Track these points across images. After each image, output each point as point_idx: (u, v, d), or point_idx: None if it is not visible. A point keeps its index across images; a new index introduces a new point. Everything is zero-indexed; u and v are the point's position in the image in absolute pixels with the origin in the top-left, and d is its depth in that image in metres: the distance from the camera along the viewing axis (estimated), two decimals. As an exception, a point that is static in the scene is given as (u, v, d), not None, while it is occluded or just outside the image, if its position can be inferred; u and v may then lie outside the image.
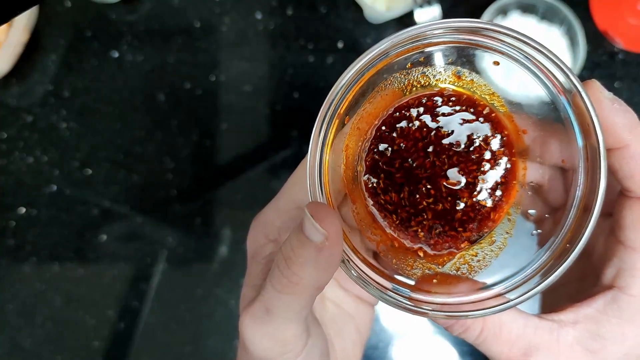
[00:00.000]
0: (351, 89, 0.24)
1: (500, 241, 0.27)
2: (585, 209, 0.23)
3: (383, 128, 0.27)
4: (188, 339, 0.64)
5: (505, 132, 0.27)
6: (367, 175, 0.27)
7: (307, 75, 0.66)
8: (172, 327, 0.64)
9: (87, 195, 0.65)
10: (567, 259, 0.22)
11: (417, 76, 0.27)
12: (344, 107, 0.24)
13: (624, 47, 0.64)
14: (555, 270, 0.23)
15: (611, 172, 0.24)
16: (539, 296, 0.28)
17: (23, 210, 0.66)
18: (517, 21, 0.62)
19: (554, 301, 0.27)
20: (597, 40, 0.64)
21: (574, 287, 0.29)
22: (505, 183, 0.27)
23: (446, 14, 0.65)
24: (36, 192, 0.66)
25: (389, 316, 0.63)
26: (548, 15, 0.62)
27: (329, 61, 0.66)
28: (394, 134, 0.27)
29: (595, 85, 0.23)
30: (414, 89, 0.27)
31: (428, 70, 0.26)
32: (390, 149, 0.27)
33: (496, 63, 0.25)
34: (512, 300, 0.23)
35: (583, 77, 0.64)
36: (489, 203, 0.26)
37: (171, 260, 0.64)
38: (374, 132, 0.27)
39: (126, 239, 0.65)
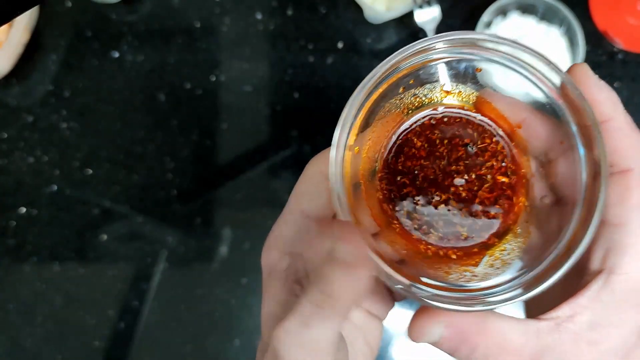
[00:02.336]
0: (361, 110, 0.25)
1: (523, 230, 0.27)
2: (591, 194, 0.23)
3: (391, 153, 0.28)
4: (188, 338, 0.64)
5: (501, 130, 0.28)
6: (388, 198, 0.28)
7: (307, 76, 0.66)
8: (172, 327, 0.64)
9: (88, 195, 0.65)
10: (577, 250, 0.23)
11: (410, 99, 0.28)
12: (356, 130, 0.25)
13: (623, 47, 0.64)
14: (567, 262, 0.23)
15: None
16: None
17: (23, 210, 0.66)
18: (517, 21, 0.62)
19: (542, 301, 0.26)
20: (596, 40, 0.65)
21: (563, 282, 0.29)
22: (514, 175, 0.28)
23: (446, 15, 0.65)
24: (36, 192, 0.66)
25: (389, 316, 0.63)
26: (547, 16, 0.62)
27: (329, 61, 0.66)
28: (402, 157, 0.28)
29: (584, 67, 0.24)
30: (410, 112, 0.29)
31: (419, 90, 0.28)
32: (402, 169, 0.28)
33: (478, 70, 0.26)
34: (526, 294, 0.23)
35: (582, 77, 0.64)
36: (505, 195, 0.27)
37: (171, 260, 0.65)
38: (384, 155, 0.28)
39: (126, 238, 0.65)
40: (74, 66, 0.67)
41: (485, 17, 0.61)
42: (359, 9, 0.64)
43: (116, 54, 0.67)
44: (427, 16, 0.63)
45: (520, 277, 0.24)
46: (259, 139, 0.66)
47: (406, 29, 0.66)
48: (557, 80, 0.24)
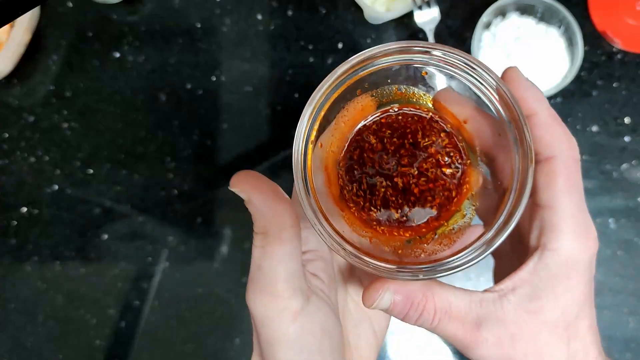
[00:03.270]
0: (321, 109, 0.29)
1: (470, 213, 0.31)
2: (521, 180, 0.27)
3: (350, 142, 0.33)
4: (189, 337, 0.64)
5: (449, 126, 0.32)
6: (347, 184, 0.32)
7: (308, 76, 0.66)
8: (173, 326, 0.64)
9: (89, 195, 0.66)
10: (504, 232, 0.26)
11: (368, 99, 0.32)
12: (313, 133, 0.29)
13: (622, 47, 0.65)
14: (496, 242, 0.26)
15: None
16: (492, 275, 0.34)
17: (25, 209, 0.66)
18: (516, 22, 0.63)
19: (502, 276, 0.29)
20: (595, 40, 0.65)
21: (513, 259, 0.31)
22: (459, 166, 0.32)
23: (445, 15, 0.65)
24: (38, 191, 0.66)
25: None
26: (546, 16, 0.62)
27: (329, 62, 0.66)
28: (360, 147, 0.32)
29: (514, 69, 0.28)
30: (370, 110, 0.33)
31: (375, 92, 0.31)
32: (360, 159, 0.32)
33: (424, 73, 0.30)
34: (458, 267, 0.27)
35: (581, 77, 0.64)
36: (451, 183, 0.32)
37: (172, 259, 0.65)
38: (346, 147, 0.32)
39: (127, 238, 0.65)
40: (75, 66, 0.68)
41: (484, 17, 0.61)
42: (359, 10, 0.65)
43: (117, 54, 0.67)
44: (427, 17, 0.63)
45: (462, 252, 0.27)
46: (259, 139, 0.66)
47: (406, 30, 0.66)
48: (492, 81, 0.27)
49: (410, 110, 0.32)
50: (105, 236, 0.65)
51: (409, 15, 0.64)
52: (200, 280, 0.64)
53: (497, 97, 0.28)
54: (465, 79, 0.28)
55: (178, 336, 0.64)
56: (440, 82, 0.30)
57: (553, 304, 0.26)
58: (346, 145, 0.32)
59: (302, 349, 0.27)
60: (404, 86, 0.31)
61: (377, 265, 0.27)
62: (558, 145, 0.27)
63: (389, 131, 0.32)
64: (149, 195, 0.66)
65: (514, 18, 0.63)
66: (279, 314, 0.26)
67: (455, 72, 0.28)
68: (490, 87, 0.28)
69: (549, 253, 0.26)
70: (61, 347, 0.64)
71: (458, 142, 0.32)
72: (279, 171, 0.66)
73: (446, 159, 0.32)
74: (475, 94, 0.29)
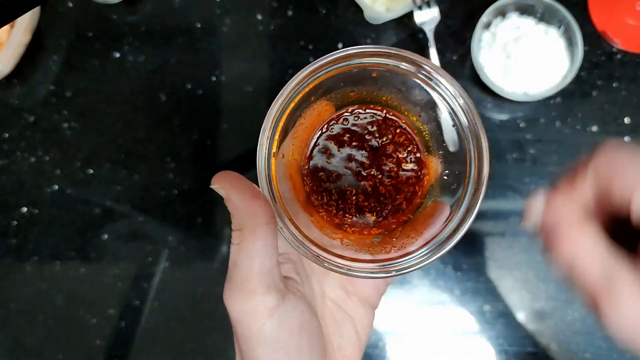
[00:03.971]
0: (280, 117, 0.29)
1: (432, 204, 0.32)
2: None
3: (311, 149, 0.34)
4: (189, 337, 0.64)
5: (404, 121, 0.33)
6: (313, 191, 0.34)
7: (307, 76, 0.66)
8: (173, 325, 0.64)
9: (89, 195, 0.66)
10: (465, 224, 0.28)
11: (323, 105, 0.33)
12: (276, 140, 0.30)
13: (622, 47, 0.65)
14: (462, 229, 0.28)
15: None
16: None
17: (25, 209, 0.66)
18: (516, 22, 0.63)
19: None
20: (595, 40, 0.65)
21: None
22: (418, 159, 0.33)
23: (445, 15, 0.65)
24: (38, 191, 0.66)
25: (389, 315, 0.63)
26: (546, 16, 0.62)
27: (329, 61, 0.66)
28: (321, 152, 0.34)
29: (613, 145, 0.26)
30: (326, 115, 0.34)
31: (330, 97, 0.33)
32: (323, 165, 0.34)
33: (375, 74, 0.31)
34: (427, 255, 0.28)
35: (581, 77, 0.64)
36: (412, 177, 0.33)
37: (172, 259, 0.65)
38: (307, 154, 0.34)
39: (127, 238, 0.65)
40: (75, 66, 0.68)
41: (484, 17, 0.61)
42: (359, 10, 0.65)
43: (117, 55, 0.67)
44: (427, 17, 0.63)
45: (428, 244, 0.29)
46: (260, 139, 0.66)
47: (406, 30, 0.66)
48: (439, 79, 0.29)
49: (366, 111, 0.34)
50: (106, 236, 0.65)
51: (409, 15, 0.64)
52: (200, 280, 0.65)
53: (446, 94, 0.29)
54: (417, 78, 0.29)
55: (178, 336, 0.64)
56: (389, 81, 0.31)
57: None
58: (307, 152, 0.34)
59: (279, 347, 0.26)
60: (356, 87, 0.32)
61: (350, 265, 0.28)
62: None
63: (347, 134, 0.33)
64: (149, 195, 0.66)
65: (513, 18, 0.63)
66: (254, 310, 0.26)
67: (404, 70, 0.29)
68: (437, 85, 0.29)
69: None
70: (61, 347, 0.64)
71: (414, 136, 0.33)
72: (279, 171, 0.66)
73: (404, 154, 0.33)
74: (427, 92, 0.30)
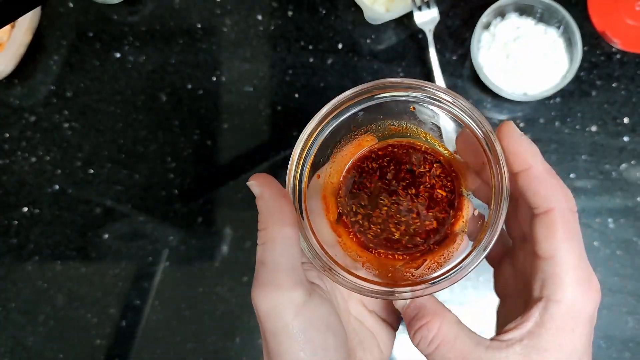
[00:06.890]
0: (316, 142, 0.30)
1: (459, 239, 0.33)
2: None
3: (347, 177, 0.35)
4: (189, 336, 0.64)
5: (441, 157, 0.34)
6: (347, 209, 0.34)
7: (308, 76, 0.66)
8: (174, 325, 0.64)
9: (89, 195, 0.66)
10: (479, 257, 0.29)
11: (363, 134, 0.34)
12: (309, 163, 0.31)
13: (621, 47, 0.65)
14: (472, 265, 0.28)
15: (521, 194, 0.28)
16: (494, 320, 0.34)
17: (25, 209, 0.66)
18: (515, 22, 0.63)
19: (505, 317, 0.30)
20: (594, 40, 0.65)
21: (517, 302, 0.32)
22: (451, 193, 0.34)
23: (445, 16, 0.65)
24: (38, 191, 0.66)
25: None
26: (545, 16, 0.62)
27: (329, 62, 0.66)
28: (359, 177, 0.34)
29: (510, 124, 0.29)
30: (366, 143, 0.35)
31: (370, 127, 0.33)
32: (360, 187, 0.34)
33: (412, 108, 0.31)
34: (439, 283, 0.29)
35: (581, 77, 0.65)
36: (446, 208, 0.34)
37: (173, 259, 0.65)
38: (342, 178, 0.35)
39: (128, 237, 0.65)
40: (75, 66, 0.68)
41: (483, 18, 0.62)
42: (358, 10, 0.65)
43: (118, 55, 0.67)
44: (426, 17, 0.63)
45: (443, 275, 0.29)
46: (260, 139, 0.66)
47: (406, 30, 0.66)
48: (466, 119, 0.30)
49: (406, 143, 0.34)
50: (106, 236, 0.65)
51: (409, 15, 0.64)
52: (201, 280, 0.65)
53: (478, 129, 0.29)
54: (450, 112, 0.30)
55: (178, 336, 0.64)
56: (428, 116, 0.32)
57: (557, 356, 0.27)
58: (344, 171, 0.34)
59: (307, 342, 0.27)
60: (396, 121, 0.33)
61: (365, 287, 0.29)
62: (555, 197, 0.27)
63: (387, 159, 0.34)
64: (149, 195, 0.66)
65: (513, 18, 0.63)
66: (282, 305, 0.27)
67: (441, 107, 0.30)
68: (472, 119, 0.30)
69: (554, 305, 0.27)
70: (62, 346, 0.64)
71: (451, 172, 0.34)
72: (279, 171, 0.66)
73: (441, 186, 0.34)
74: (459, 124, 0.30)
